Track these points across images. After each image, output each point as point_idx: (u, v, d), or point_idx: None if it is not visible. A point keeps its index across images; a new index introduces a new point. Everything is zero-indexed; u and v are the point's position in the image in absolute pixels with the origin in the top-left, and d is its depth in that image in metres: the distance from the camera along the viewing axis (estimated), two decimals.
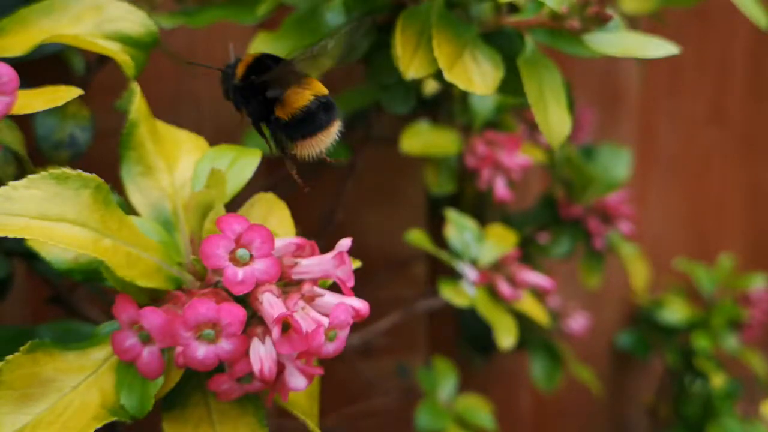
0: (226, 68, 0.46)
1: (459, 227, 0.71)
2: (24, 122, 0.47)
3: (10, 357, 0.38)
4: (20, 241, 0.43)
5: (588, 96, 1.08)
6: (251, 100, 0.45)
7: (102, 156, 0.51)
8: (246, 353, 0.37)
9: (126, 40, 0.48)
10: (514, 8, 0.55)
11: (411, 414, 0.79)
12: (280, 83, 0.44)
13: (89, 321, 0.57)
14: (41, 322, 0.53)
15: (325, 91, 0.44)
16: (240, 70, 0.45)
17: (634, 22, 0.92)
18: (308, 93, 0.44)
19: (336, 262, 0.39)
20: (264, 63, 0.45)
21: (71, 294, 0.59)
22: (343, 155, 0.74)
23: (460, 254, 0.70)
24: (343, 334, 0.38)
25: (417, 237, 0.70)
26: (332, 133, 0.44)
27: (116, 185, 0.43)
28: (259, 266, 0.37)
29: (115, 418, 0.38)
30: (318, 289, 0.39)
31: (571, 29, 0.51)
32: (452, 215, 0.71)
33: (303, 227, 0.46)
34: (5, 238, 0.54)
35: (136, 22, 0.48)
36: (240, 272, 0.37)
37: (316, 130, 0.44)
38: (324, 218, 0.73)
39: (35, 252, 0.42)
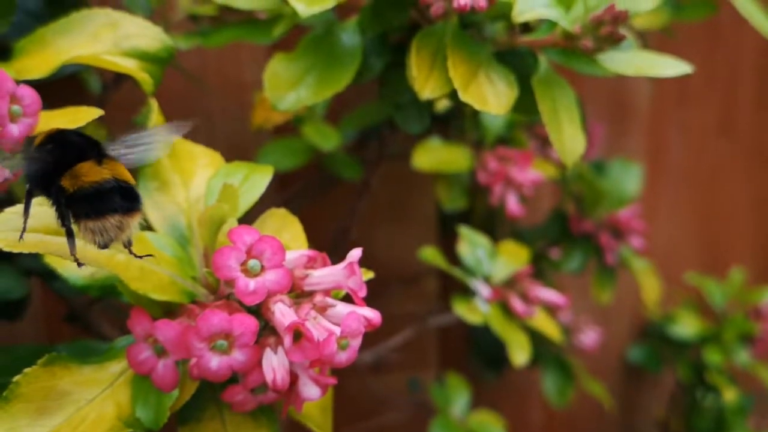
0: (26, 141, 0.41)
1: (472, 244, 0.71)
2: None
3: (27, 370, 0.38)
4: (38, 260, 0.43)
5: (598, 110, 1.08)
6: (39, 167, 0.39)
7: None
8: (259, 363, 0.38)
9: (143, 56, 0.49)
10: (527, 28, 0.55)
11: (423, 430, 0.78)
12: (69, 151, 0.39)
13: (105, 338, 0.58)
14: (56, 339, 0.54)
15: (131, 180, 0.39)
16: (39, 138, 0.40)
17: (643, 36, 0.93)
18: (106, 172, 0.38)
19: (347, 272, 0.40)
20: (67, 135, 0.40)
21: (87, 312, 0.59)
22: (355, 173, 0.74)
23: (473, 271, 0.70)
24: (356, 343, 0.38)
25: (430, 254, 0.70)
26: (129, 224, 0.38)
27: None
28: (271, 277, 0.38)
29: (131, 431, 0.38)
30: (330, 300, 0.40)
31: (584, 49, 0.51)
32: (465, 232, 0.71)
33: (316, 244, 0.46)
34: (22, 258, 0.54)
35: (152, 37, 0.49)
36: (251, 283, 0.37)
37: (105, 212, 0.37)
38: (337, 235, 0.73)
39: (52, 270, 0.43)
